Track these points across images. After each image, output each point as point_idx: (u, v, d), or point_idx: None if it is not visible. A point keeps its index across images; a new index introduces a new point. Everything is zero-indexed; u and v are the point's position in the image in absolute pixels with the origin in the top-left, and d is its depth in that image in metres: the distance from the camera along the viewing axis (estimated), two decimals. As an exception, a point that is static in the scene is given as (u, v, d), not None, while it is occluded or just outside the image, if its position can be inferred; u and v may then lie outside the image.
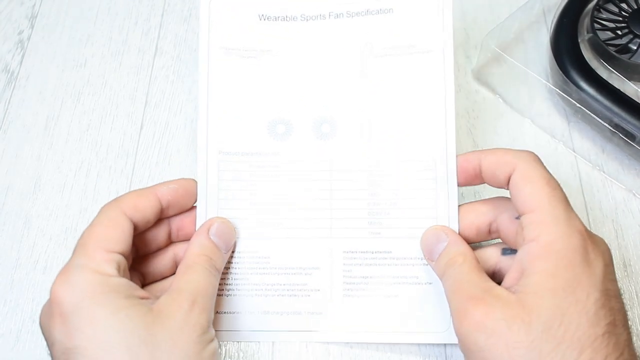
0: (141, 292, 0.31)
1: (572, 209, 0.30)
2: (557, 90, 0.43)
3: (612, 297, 0.28)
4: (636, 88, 0.42)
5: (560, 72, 0.42)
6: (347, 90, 0.36)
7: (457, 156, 0.35)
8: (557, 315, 0.27)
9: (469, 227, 0.35)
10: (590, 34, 0.45)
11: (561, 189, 0.31)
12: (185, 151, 0.43)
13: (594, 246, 0.29)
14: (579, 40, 0.44)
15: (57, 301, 0.29)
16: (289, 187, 0.36)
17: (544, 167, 0.31)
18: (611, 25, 0.45)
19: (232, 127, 0.36)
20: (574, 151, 0.43)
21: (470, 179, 0.35)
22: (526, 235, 0.30)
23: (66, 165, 0.43)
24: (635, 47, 0.44)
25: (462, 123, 0.44)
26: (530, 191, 0.30)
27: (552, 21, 0.45)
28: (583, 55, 0.43)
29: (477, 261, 0.32)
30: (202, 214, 0.35)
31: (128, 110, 0.45)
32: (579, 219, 0.30)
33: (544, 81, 0.44)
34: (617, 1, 0.46)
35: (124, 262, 0.31)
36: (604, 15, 0.46)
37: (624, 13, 0.46)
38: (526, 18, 0.48)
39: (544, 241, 0.29)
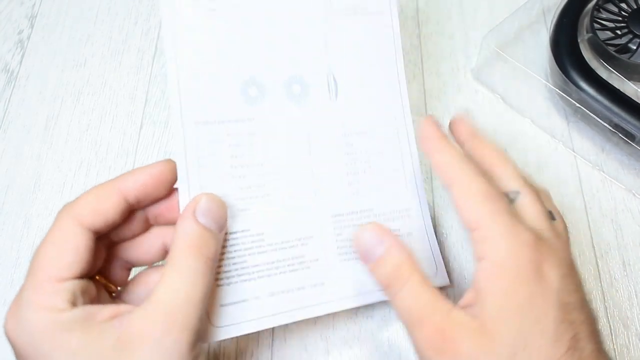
0: (107, 313, 0.26)
1: (517, 219, 0.28)
2: (556, 90, 0.43)
3: (572, 310, 0.27)
4: (636, 88, 0.42)
5: (560, 72, 0.42)
6: (311, 47, 0.36)
7: (422, 123, 0.33)
8: (521, 339, 0.25)
9: None
10: (590, 34, 0.45)
11: (503, 200, 0.29)
12: (185, 151, 0.43)
13: (548, 256, 0.27)
14: (579, 40, 0.44)
15: (12, 342, 0.26)
16: (269, 154, 0.34)
17: (483, 179, 0.29)
18: (611, 25, 0.45)
19: (205, 94, 0.33)
20: (573, 151, 0.43)
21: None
22: (476, 253, 0.28)
23: (66, 165, 0.43)
24: (634, 47, 0.44)
25: None
26: (471, 207, 0.28)
27: (552, 21, 0.45)
28: (583, 55, 0.43)
29: (419, 267, 0.29)
30: (185, 195, 0.31)
31: (128, 110, 0.45)
32: (527, 229, 0.28)
33: (544, 81, 0.44)
34: (617, 1, 0.46)
35: (80, 286, 0.27)
36: (604, 15, 0.46)
37: (623, 13, 0.46)
38: (526, 18, 0.48)
39: (493, 260, 0.27)
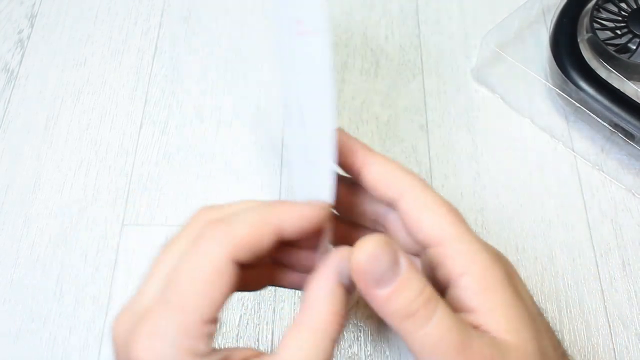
0: (239, 357, 0.24)
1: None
2: (556, 89, 0.43)
3: (541, 319, 0.26)
4: (635, 88, 0.42)
5: (560, 71, 0.42)
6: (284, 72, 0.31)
7: (340, 134, 0.28)
8: (539, 347, 0.24)
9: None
10: (590, 34, 0.45)
11: (459, 212, 0.26)
12: (185, 151, 0.43)
13: (509, 268, 0.26)
14: (579, 40, 0.44)
15: None
16: None
17: (435, 191, 0.27)
18: (610, 25, 0.45)
19: None
20: (573, 151, 0.43)
21: (347, 171, 0.28)
22: (451, 271, 0.24)
23: (66, 164, 0.43)
24: (634, 47, 0.44)
25: (462, 122, 0.44)
26: (432, 222, 0.25)
27: (552, 21, 0.45)
28: (582, 55, 0.43)
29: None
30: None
31: (127, 110, 0.45)
32: (485, 242, 0.26)
33: (544, 81, 0.44)
34: (617, 1, 0.46)
35: (215, 329, 0.24)
36: (604, 14, 0.46)
37: (623, 13, 0.46)
38: (526, 18, 0.48)
39: (476, 275, 0.24)
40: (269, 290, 0.38)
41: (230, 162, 0.42)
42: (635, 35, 0.44)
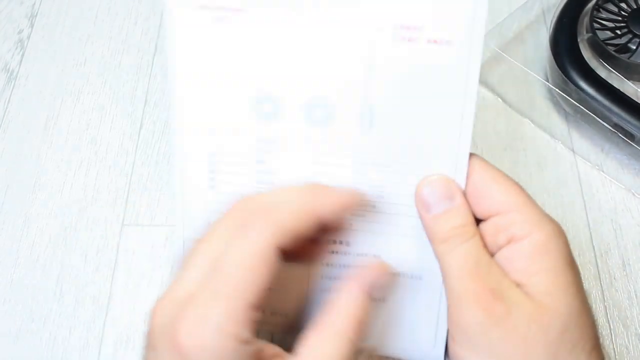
0: (271, 352, 0.25)
1: None
2: (556, 89, 0.43)
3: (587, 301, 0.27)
4: (635, 88, 0.42)
5: (560, 71, 0.42)
6: (347, 68, 0.30)
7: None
8: (573, 316, 0.26)
9: None
10: (590, 34, 0.45)
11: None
12: (185, 150, 0.43)
13: (567, 245, 0.28)
14: (579, 40, 0.44)
15: (182, 355, 0.24)
16: (280, 176, 0.30)
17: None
18: (610, 25, 0.45)
19: (209, 105, 0.31)
20: (573, 151, 0.43)
21: None
22: (513, 235, 0.26)
23: (66, 164, 0.43)
24: (634, 47, 0.44)
25: None
26: (500, 192, 0.27)
27: (552, 21, 0.45)
28: (582, 55, 0.43)
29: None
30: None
31: (128, 110, 0.45)
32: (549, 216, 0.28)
33: (544, 81, 0.44)
34: (617, 1, 0.46)
35: (259, 316, 0.25)
36: (604, 14, 0.46)
37: (623, 13, 0.46)
38: (525, 18, 0.48)
39: (536, 240, 0.26)
40: (269, 290, 0.38)
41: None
42: (635, 35, 0.44)
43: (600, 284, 0.38)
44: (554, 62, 0.43)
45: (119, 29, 0.49)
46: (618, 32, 0.45)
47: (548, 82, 0.44)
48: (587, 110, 0.41)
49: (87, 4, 0.50)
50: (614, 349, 0.36)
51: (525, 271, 0.27)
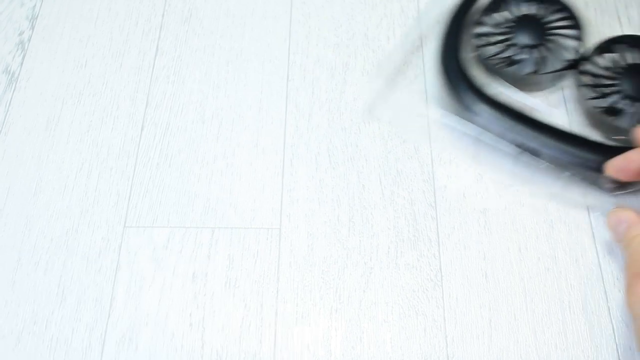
0: None
1: None
2: (451, 117, 0.42)
3: None
4: (532, 99, 0.42)
5: (453, 98, 0.41)
6: None
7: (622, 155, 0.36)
8: None
9: None
10: (476, 52, 0.44)
11: None
12: (187, 152, 0.43)
13: None
14: (465, 61, 0.43)
15: None
16: None
17: None
18: (493, 39, 0.44)
19: None
20: (482, 178, 0.41)
21: (635, 176, 0.36)
22: None
23: (67, 166, 0.43)
24: (519, 58, 0.43)
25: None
26: None
27: (435, 47, 0.44)
28: (471, 79, 0.42)
29: None
30: None
31: (129, 111, 0.45)
32: None
33: (436, 110, 0.43)
34: (496, 12, 0.45)
35: None
36: (485, 29, 0.45)
37: (504, 26, 0.45)
38: (409, 47, 0.47)
39: None
40: (272, 292, 0.38)
41: (232, 164, 0.42)
42: (518, 47, 0.44)
43: (603, 284, 0.38)
44: (445, 89, 0.42)
45: (120, 29, 0.49)
46: (500, 45, 0.44)
47: (441, 111, 0.43)
48: (487, 134, 0.40)
49: (87, 6, 0.50)
50: (617, 349, 0.36)
51: None
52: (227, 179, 0.42)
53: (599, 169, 0.38)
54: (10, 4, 0.51)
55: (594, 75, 0.43)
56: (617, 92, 0.42)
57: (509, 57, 0.44)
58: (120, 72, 0.47)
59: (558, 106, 0.44)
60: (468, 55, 0.44)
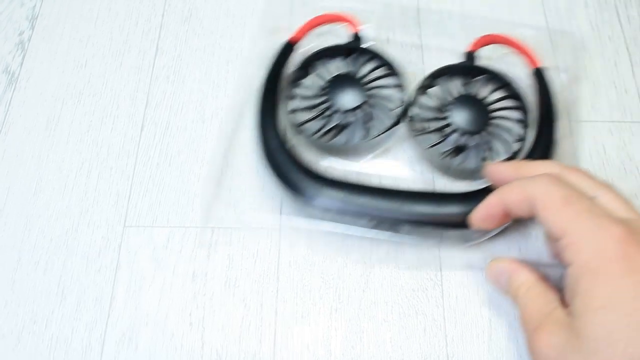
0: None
1: (602, 215, 0.28)
2: (290, 218, 0.39)
3: None
4: (370, 166, 0.40)
5: (286, 190, 0.38)
6: None
7: (482, 204, 0.34)
8: (603, 336, 0.26)
9: None
10: (298, 132, 0.40)
11: (584, 200, 0.29)
12: (187, 152, 0.43)
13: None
14: (290, 144, 0.39)
15: None
16: None
17: (560, 184, 0.30)
18: (310, 114, 0.41)
19: None
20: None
21: (501, 220, 0.34)
22: (565, 260, 0.29)
23: (67, 166, 0.43)
24: (345, 123, 0.41)
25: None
26: (552, 219, 0.29)
27: (252, 136, 0.41)
28: (300, 164, 0.38)
29: (542, 282, 0.32)
30: None
31: (129, 111, 0.45)
32: (614, 222, 0.28)
33: (274, 214, 0.40)
34: (305, 79, 0.43)
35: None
36: (299, 103, 0.42)
37: (318, 94, 0.41)
38: (228, 138, 0.43)
39: (578, 263, 0.28)
40: (271, 291, 0.38)
41: (232, 164, 0.42)
42: (341, 112, 0.41)
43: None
44: (276, 181, 0.38)
45: (120, 29, 0.49)
46: (318, 118, 0.41)
47: (279, 214, 0.40)
48: (338, 223, 0.37)
49: (87, 5, 0.50)
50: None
51: (572, 294, 0.29)
52: (227, 179, 0.42)
53: (464, 225, 0.35)
54: (10, 4, 0.51)
55: (425, 120, 0.41)
56: (454, 130, 0.40)
57: (334, 127, 0.40)
58: (120, 72, 0.47)
59: (402, 165, 0.41)
60: (291, 138, 0.40)
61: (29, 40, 0.49)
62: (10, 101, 0.46)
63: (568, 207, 0.29)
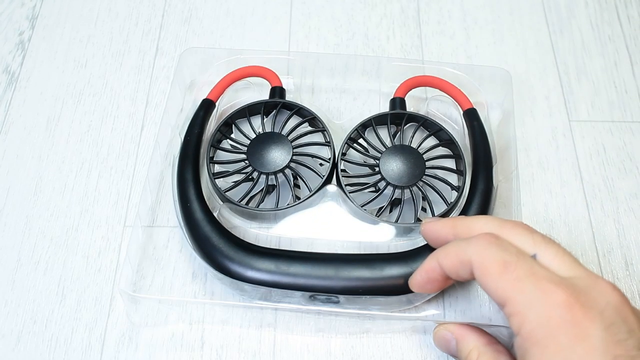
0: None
1: (543, 278, 0.27)
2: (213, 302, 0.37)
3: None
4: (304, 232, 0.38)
5: (214, 270, 0.36)
6: None
7: (421, 269, 0.32)
8: None
9: None
10: (223, 199, 0.38)
11: (522, 262, 0.27)
12: (186, 151, 0.43)
13: (587, 309, 0.25)
14: (212, 212, 0.38)
15: None
16: None
17: (498, 245, 0.28)
18: (233, 179, 0.39)
19: None
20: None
21: (443, 283, 0.32)
22: (512, 327, 0.27)
23: (67, 166, 0.43)
24: (271, 184, 0.39)
25: None
26: (493, 286, 0.27)
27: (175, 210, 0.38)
28: (225, 233, 0.37)
29: (491, 346, 0.31)
30: None
31: (129, 111, 0.45)
32: (557, 285, 0.26)
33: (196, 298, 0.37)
34: (225, 139, 0.41)
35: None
36: (219, 168, 0.40)
37: (239, 159, 0.39)
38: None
39: (525, 334, 0.26)
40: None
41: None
42: (266, 175, 0.38)
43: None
44: (203, 262, 0.36)
45: (120, 29, 0.49)
46: (246, 183, 0.39)
47: (203, 294, 0.37)
48: (271, 302, 0.36)
49: (87, 6, 0.50)
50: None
51: None
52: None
53: (405, 290, 0.34)
54: (10, 4, 0.51)
55: (356, 176, 0.39)
56: (388, 184, 0.38)
57: (259, 192, 0.38)
58: (120, 72, 0.47)
59: (336, 226, 0.38)
60: (216, 205, 0.38)
61: (29, 40, 0.49)
62: (10, 101, 0.46)
63: (508, 273, 0.27)
